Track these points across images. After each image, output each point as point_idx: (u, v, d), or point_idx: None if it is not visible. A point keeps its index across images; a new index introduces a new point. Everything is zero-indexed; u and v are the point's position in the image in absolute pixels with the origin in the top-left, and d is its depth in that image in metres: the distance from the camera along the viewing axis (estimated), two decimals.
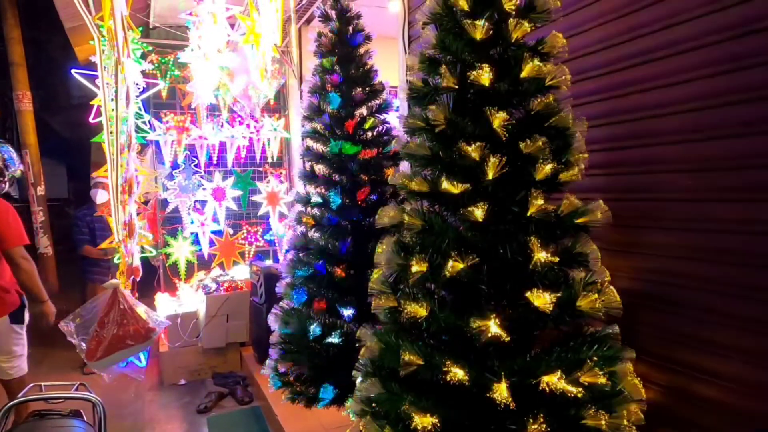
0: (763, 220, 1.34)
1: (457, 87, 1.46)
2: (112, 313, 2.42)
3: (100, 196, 4.52)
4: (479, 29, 1.40)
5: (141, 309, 2.54)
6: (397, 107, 5.27)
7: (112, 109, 2.60)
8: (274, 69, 3.91)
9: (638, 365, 1.51)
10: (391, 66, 3.33)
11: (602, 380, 1.29)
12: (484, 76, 1.40)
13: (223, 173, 5.18)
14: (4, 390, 2.92)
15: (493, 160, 1.36)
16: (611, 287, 1.46)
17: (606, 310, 1.41)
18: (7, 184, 2.84)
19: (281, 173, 5.51)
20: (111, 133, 2.48)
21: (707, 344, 1.50)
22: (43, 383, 1.87)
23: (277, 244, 5.42)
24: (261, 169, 5.42)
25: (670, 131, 1.56)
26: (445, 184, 1.41)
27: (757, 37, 1.34)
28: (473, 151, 1.36)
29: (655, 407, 1.54)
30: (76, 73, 3.66)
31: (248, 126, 5.21)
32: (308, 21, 4.81)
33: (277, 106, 5.53)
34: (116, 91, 2.49)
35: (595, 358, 1.39)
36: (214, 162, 5.15)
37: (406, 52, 3.21)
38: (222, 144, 5.11)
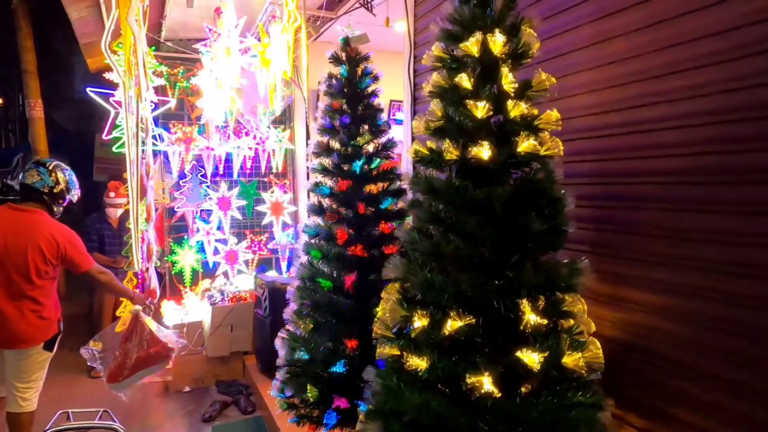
0: (739, 292, 1.49)
1: (459, 157, 1.60)
2: (134, 337, 2.56)
3: (116, 213, 4.76)
4: (480, 108, 1.54)
5: (160, 330, 2.68)
6: (400, 120, 5.41)
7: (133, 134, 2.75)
8: (283, 90, 4.05)
9: (616, 411, 1.66)
10: (396, 81, 3.47)
11: None
12: (484, 151, 1.54)
13: (229, 183, 5.32)
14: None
15: (489, 229, 1.51)
16: (594, 340, 1.62)
17: (589, 364, 1.57)
18: (64, 207, 2.96)
19: (285, 183, 5.64)
20: (132, 176, 2.62)
21: (680, 395, 1.66)
22: (70, 410, 2.02)
23: (280, 253, 5.56)
24: (266, 179, 5.56)
25: (650, 198, 1.71)
26: (447, 247, 1.56)
27: (733, 125, 1.48)
28: (471, 222, 1.51)
29: None
30: (91, 91, 3.79)
31: (254, 137, 5.34)
32: (315, 39, 4.94)
33: (283, 118, 5.66)
34: (137, 123, 2.63)
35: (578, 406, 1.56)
36: (220, 172, 5.29)
37: (410, 82, 3.35)
38: (228, 155, 5.25)
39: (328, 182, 2.60)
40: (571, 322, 1.64)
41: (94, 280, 2.94)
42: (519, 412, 1.54)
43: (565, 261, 1.63)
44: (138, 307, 2.64)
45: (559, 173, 1.63)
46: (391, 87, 3.14)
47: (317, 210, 2.61)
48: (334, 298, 2.46)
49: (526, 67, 1.71)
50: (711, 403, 1.57)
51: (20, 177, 2.83)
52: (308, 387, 2.41)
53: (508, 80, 1.59)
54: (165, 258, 5.03)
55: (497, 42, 1.59)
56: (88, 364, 2.61)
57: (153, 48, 4.43)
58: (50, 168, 2.86)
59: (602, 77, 1.86)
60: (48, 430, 1.93)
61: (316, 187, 2.59)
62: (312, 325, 2.48)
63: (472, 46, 1.59)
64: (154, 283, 2.95)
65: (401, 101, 3.93)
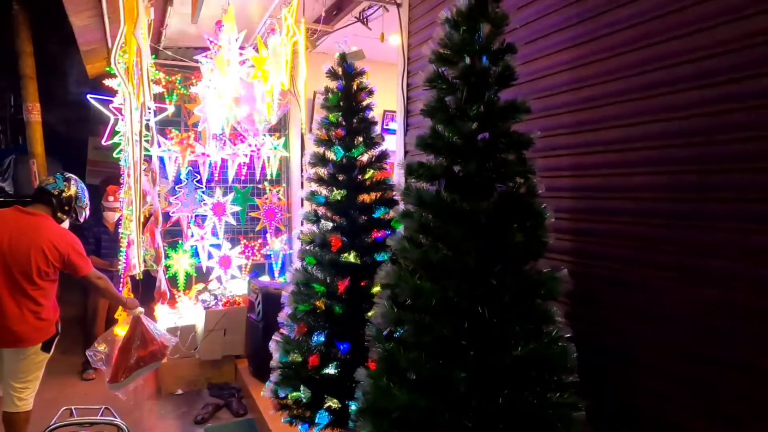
0: (702, 299, 1.62)
1: (447, 171, 1.72)
2: (136, 339, 2.65)
3: (113, 217, 4.86)
4: (467, 126, 1.67)
5: (156, 330, 2.78)
6: (393, 130, 5.53)
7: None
8: (280, 100, 4.15)
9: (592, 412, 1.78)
10: (390, 91, 3.58)
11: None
12: (470, 166, 1.66)
13: (224, 189, 5.40)
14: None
15: (475, 239, 1.63)
16: (571, 344, 1.73)
17: (567, 364, 1.69)
18: (72, 217, 3.10)
19: (279, 190, 5.74)
20: (133, 181, 2.72)
21: (654, 395, 1.78)
22: (73, 407, 2.10)
23: (273, 259, 5.65)
24: (260, 186, 5.65)
25: (626, 212, 1.84)
26: (435, 256, 1.67)
27: (700, 147, 1.61)
28: (458, 232, 1.63)
29: None
30: (91, 98, 3.88)
31: (249, 144, 5.44)
32: (311, 51, 5.06)
33: (278, 126, 5.76)
34: (140, 131, 2.73)
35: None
36: (216, 178, 5.38)
37: (404, 96, 3.48)
38: (224, 161, 5.33)
39: (323, 191, 2.71)
40: (551, 326, 1.76)
41: (92, 284, 3.06)
42: (501, 411, 1.65)
43: (546, 270, 1.75)
44: (140, 310, 2.73)
45: (541, 187, 1.75)
46: (384, 97, 3.28)
47: (313, 219, 2.71)
48: (328, 303, 2.56)
49: (511, 88, 1.83)
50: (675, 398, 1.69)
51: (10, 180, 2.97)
52: (301, 388, 2.51)
53: (493, 101, 1.71)
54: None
55: (484, 66, 1.72)
56: (92, 366, 2.69)
57: (153, 56, 4.52)
58: (66, 176, 3.07)
59: (579, 98, 1.99)
60: (54, 424, 2.00)
61: (312, 196, 2.69)
62: (306, 330, 2.58)
63: (461, 68, 1.72)
64: (164, 285, 3.03)
65: (394, 111, 4.06)
